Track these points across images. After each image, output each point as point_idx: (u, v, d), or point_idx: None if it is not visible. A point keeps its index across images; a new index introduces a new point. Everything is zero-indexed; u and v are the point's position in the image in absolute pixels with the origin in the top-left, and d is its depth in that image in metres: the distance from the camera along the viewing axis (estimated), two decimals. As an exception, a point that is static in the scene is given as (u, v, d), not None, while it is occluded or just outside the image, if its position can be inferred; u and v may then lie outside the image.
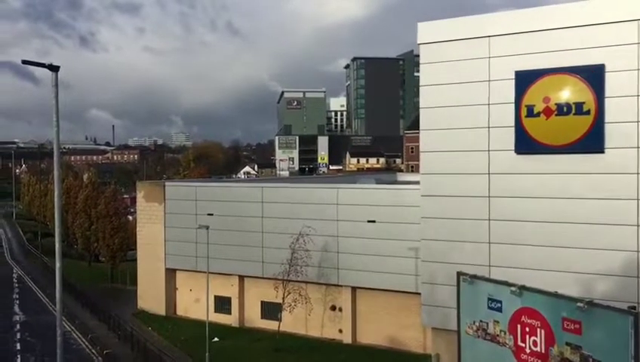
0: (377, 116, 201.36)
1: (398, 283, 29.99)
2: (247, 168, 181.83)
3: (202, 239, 36.43)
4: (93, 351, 31.33)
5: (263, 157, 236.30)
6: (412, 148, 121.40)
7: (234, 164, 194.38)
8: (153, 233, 38.56)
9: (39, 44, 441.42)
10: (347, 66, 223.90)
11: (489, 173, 23.03)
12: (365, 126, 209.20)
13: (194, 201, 37.28)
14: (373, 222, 30.95)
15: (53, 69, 14.95)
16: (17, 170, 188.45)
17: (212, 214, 35.77)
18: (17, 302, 42.22)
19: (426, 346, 28.97)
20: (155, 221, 38.45)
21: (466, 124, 23.31)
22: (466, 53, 23.08)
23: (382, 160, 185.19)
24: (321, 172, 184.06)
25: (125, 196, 79.06)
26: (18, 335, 33.96)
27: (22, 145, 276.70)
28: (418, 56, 24.93)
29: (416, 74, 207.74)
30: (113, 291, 45.38)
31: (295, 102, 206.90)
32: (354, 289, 32.07)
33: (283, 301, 30.77)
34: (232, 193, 36.78)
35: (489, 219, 23.06)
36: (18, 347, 31.92)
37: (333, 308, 32.94)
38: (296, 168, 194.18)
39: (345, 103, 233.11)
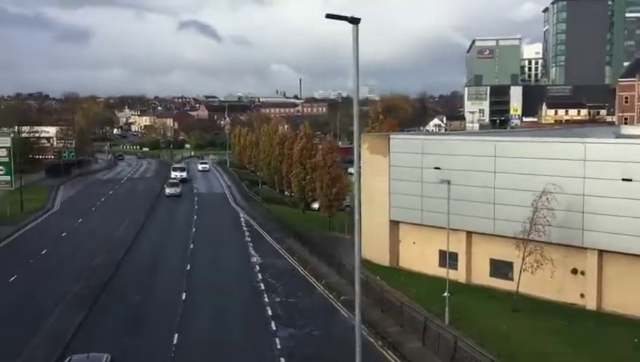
0: (579, 63, 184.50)
1: (660, 249, 27.10)
2: (436, 120, 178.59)
3: (427, 193, 36.36)
4: (330, 296, 32.85)
5: (448, 109, 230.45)
6: (626, 98, 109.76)
7: (421, 116, 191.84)
8: (377, 185, 39.06)
9: (222, 4, 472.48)
10: (545, 10, 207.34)
11: None
12: (564, 74, 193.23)
13: (420, 154, 36.94)
14: (629, 180, 28.07)
15: (354, 21, 14.93)
16: (222, 122, 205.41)
17: (439, 168, 35.13)
18: (250, 244, 45.83)
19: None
20: (380, 173, 38.84)
21: None
22: None
23: (583, 111, 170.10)
24: (513, 124, 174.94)
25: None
26: (260, 276, 36.79)
27: (222, 99, 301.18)
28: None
29: (628, 14, 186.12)
30: (332, 239, 47.23)
31: (487, 51, 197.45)
32: (601, 252, 29.65)
33: (523, 261, 29.39)
34: (461, 147, 35.74)
35: None
36: (262, 287, 34.55)
37: (575, 271, 30.86)
38: (487, 120, 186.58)
39: (541, 50, 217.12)
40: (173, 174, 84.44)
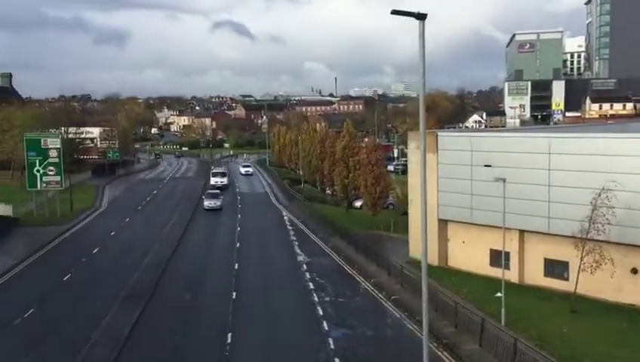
0: (624, 56, 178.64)
1: None
2: (475, 116, 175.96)
3: (477, 191, 35.70)
4: (380, 295, 32.51)
5: (486, 105, 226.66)
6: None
7: (460, 112, 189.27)
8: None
9: (255, 3, 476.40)
10: (588, 2, 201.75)
11: None
12: (609, 68, 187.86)
13: (469, 152, 36.26)
14: (694, 177, 26.94)
15: (420, 17, 14.60)
16: (259, 121, 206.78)
17: (490, 165, 34.40)
18: (296, 243, 45.80)
19: None
20: (427, 171, 38.11)
21: None
22: None
23: (629, 105, 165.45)
24: (555, 120, 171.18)
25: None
26: (307, 275, 36.66)
27: (258, 98, 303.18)
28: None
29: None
30: (377, 237, 46.88)
31: (527, 45, 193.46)
32: (663, 252, 28.60)
33: (581, 260, 28.52)
34: (512, 144, 34.92)
35: None
36: (311, 286, 34.42)
37: (635, 271, 29.84)
38: (528, 116, 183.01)
39: (584, 43, 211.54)
40: (213, 180, 75.62)
